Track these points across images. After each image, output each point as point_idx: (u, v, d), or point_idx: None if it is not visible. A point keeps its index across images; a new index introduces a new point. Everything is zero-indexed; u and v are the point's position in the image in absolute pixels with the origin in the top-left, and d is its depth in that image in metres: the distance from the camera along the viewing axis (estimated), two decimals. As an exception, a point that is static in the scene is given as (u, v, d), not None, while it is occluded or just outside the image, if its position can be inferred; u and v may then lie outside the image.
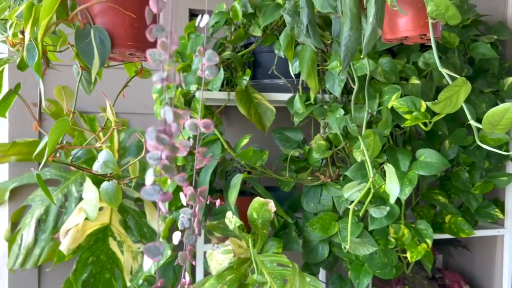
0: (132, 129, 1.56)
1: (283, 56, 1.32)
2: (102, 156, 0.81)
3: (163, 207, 0.38)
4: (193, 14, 1.76)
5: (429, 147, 1.29)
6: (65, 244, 1.22)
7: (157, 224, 1.40)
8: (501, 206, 1.55)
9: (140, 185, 1.50)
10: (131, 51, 0.70)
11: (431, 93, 1.30)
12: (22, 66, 0.69)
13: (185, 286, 0.52)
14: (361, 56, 0.95)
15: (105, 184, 0.88)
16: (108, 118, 0.80)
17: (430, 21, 0.77)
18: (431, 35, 0.78)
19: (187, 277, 0.53)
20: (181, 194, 0.50)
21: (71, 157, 0.79)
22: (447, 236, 1.38)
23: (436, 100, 0.72)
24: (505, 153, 1.01)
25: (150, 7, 0.42)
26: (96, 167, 0.83)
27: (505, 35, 1.54)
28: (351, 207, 0.99)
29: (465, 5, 1.36)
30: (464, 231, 1.34)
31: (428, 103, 0.71)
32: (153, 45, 0.75)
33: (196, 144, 1.28)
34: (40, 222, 1.47)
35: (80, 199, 1.52)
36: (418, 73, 1.28)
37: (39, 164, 1.61)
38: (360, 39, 0.86)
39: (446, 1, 0.70)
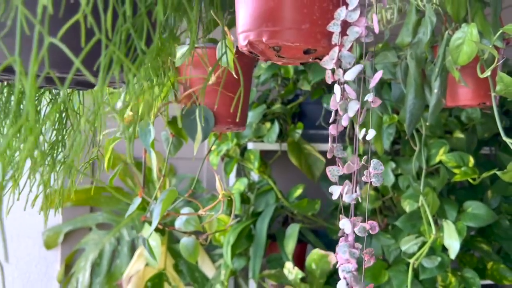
0: (182, 175, 1.63)
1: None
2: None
3: None
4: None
5: (473, 196, 1.34)
6: (130, 291, 1.28)
7: (208, 268, 1.45)
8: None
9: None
10: (230, 126, 0.77)
11: (473, 146, 1.37)
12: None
13: None
14: (427, 124, 1.02)
15: (185, 240, 0.94)
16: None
17: (492, 94, 0.84)
18: (493, 106, 0.85)
19: None
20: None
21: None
22: (489, 282, 1.42)
23: (505, 170, 0.78)
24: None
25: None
26: (179, 224, 0.90)
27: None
28: (411, 261, 1.05)
29: None
30: (507, 278, 1.38)
31: (498, 172, 0.77)
32: (245, 120, 0.82)
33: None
34: (95, 265, 1.53)
35: (132, 242, 1.58)
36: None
37: (91, 208, 1.67)
38: (423, 106, 0.94)
39: (515, 81, 0.77)
